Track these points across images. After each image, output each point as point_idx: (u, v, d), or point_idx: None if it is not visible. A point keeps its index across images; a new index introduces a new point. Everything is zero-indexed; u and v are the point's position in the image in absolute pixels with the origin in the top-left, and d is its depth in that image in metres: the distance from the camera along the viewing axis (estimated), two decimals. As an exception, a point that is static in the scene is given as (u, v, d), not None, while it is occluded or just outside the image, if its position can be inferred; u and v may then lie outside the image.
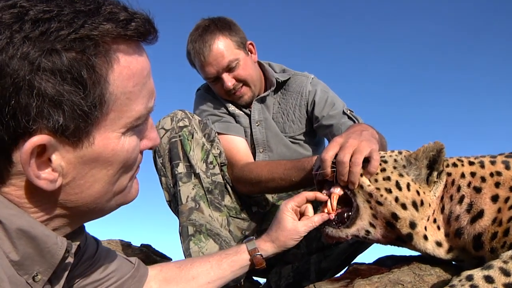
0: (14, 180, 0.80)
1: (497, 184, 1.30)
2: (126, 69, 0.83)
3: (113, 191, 0.91)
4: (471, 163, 1.40)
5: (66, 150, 0.80)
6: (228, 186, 2.09)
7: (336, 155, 1.45)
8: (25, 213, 0.82)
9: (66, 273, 0.95)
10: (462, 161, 1.42)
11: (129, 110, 0.85)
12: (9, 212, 0.80)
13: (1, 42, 0.72)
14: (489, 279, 1.05)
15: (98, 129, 0.82)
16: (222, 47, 2.07)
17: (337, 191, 1.46)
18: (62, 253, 0.87)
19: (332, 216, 1.45)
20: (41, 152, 0.78)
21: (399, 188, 1.37)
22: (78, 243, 0.98)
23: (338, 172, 1.42)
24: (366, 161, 1.41)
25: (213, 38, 2.06)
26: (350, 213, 1.44)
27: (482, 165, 1.37)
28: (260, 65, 2.31)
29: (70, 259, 0.92)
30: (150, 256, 2.39)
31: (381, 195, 1.37)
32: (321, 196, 1.49)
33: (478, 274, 1.07)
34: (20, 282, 0.83)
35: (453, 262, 1.40)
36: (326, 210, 1.47)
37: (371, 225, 1.41)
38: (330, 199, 1.46)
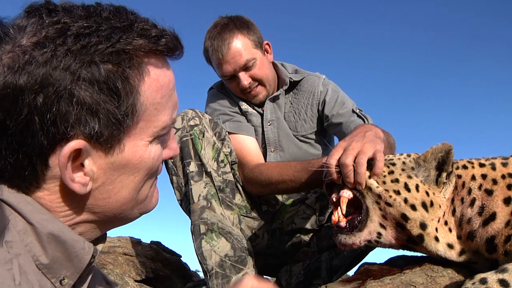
0: (48, 185, 0.84)
1: (509, 186, 1.30)
2: (155, 82, 0.88)
3: (137, 198, 0.95)
4: (481, 165, 1.39)
5: (98, 156, 0.84)
6: (239, 185, 2.10)
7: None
8: (56, 218, 0.85)
9: (90, 276, 0.98)
10: (472, 163, 1.42)
11: (157, 120, 0.90)
12: (42, 217, 0.83)
13: (46, 55, 0.77)
14: (503, 283, 1.05)
15: (129, 137, 0.86)
16: (240, 46, 2.08)
17: (346, 195, 1.46)
18: (88, 258, 0.89)
19: (343, 224, 1.46)
20: (76, 157, 0.82)
21: (408, 190, 1.37)
22: (102, 245, 1.01)
23: (343, 174, 1.43)
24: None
25: (231, 36, 2.07)
26: (360, 217, 1.45)
27: (493, 167, 1.36)
28: (274, 65, 2.32)
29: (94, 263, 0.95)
30: (159, 253, 2.42)
31: (390, 196, 1.37)
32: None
33: (492, 277, 1.07)
34: (47, 286, 0.85)
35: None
36: (336, 213, 1.47)
37: (382, 226, 1.42)
38: (340, 203, 1.47)
